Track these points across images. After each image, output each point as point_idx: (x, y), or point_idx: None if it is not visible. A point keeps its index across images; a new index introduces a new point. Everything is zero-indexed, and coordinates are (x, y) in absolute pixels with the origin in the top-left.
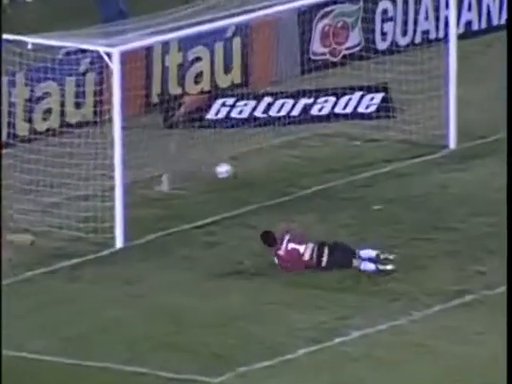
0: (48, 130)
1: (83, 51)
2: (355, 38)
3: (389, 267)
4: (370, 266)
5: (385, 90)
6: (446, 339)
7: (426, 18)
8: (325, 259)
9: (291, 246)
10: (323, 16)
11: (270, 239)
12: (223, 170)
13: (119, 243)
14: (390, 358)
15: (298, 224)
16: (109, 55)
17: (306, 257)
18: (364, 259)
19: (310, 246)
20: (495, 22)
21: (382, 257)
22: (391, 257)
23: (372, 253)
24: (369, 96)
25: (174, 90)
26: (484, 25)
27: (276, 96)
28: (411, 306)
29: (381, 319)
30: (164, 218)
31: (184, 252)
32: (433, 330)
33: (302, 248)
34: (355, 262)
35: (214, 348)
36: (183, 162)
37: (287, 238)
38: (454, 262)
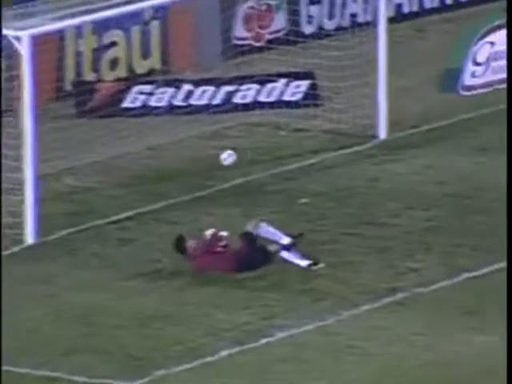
0: None
1: None
2: (280, 21)
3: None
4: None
5: (311, 76)
6: (377, 340)
7: (355, 1)
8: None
9: (205, 249)
10: None
11: (181, 247)
12: (227, 157)
13: (30, 239)
14: (317, 360)
15: (220, 218)
16: (18, 39)
17: (223, 257)
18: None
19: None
20: (428, 4)
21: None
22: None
23: (286, 240)
24: (295, 83)
25: (88, 76)
26: (416, 7)
27: (197, 83)
28: (340, 306)
29: (308, 319)
30: (76, 213)
31: (97, 249)
32: (363, 330)
33: (216, 248)
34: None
35: (131, 350)
36: (95, 154)
37: (200, 242)
38: (384, 259)
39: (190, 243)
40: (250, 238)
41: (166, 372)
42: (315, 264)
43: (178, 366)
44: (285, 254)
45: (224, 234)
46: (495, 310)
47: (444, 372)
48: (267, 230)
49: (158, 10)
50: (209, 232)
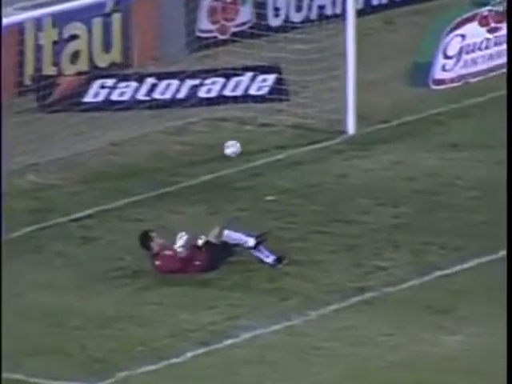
0: None
1: None
2: (245, 14)
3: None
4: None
5: (278, 70)
6: (344, 341)
7: None
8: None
9: (166, 250)
10: None
11: (146, 242)
12: (231, 150)
13: None
14: (284, 361)
15: (186, 216)
16: None
17: (183, 257)
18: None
19: (186, 245)
20: None
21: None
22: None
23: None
24: (261, 77)
25: (49, 70)
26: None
27: (160, 77)
28: (307, 305)
29: (274, 319)
30: (38, 210)
31: (59, 247)
32: (330, 330)
33: (178, 249)
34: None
35: (93, 352)
36: (57, 150)
37: (161, 241)
38: (353, 257)
39: (156, 242)
40: (212, 246)
41: (128, 373)
42: (281, 260)
43: (141, 367)
44: (228, 239)
45: (199, 241)
46: (466, 310)
47: (412, 373)
48: (231, 237)
49: (119, 1)
50: (181, 239)
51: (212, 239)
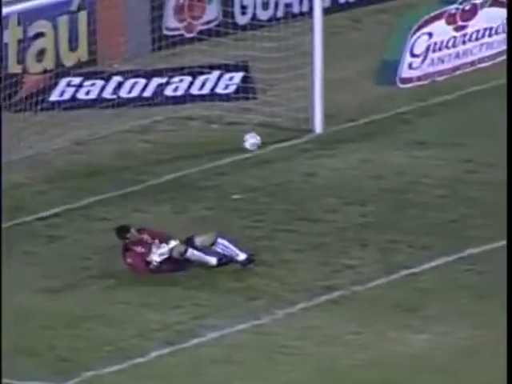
0: None
1: None
2: (213, 11)
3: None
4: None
5: (245, 68)
6: (312, 340)
7: None
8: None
9: (137, 248)
10: None
11: (121, 234)
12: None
13: None
14: (251, 360)
15: (151, 215)
16: None
17: (151, 259)
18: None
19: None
20: None
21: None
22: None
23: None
24: (228, 75)
25: (14, 68)
26: None
27: (126, 75)
28: (274, 304)
29: (241, 319)
30: (6, 208)
31: (26, 246)
32: (298, 329)
33: (154, 257)
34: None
35: (60, 351)
36: (22, 149)
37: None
38: (320, 256)
39: (133, 234)
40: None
41: (95, 373)
42: (251, 260)
43: (108, 367)
44: (221, 246)
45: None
46: (434, 308)
47: (379, 372)
48: (193, 255)
49: None
50: (163, 248)
51: (176, 255)
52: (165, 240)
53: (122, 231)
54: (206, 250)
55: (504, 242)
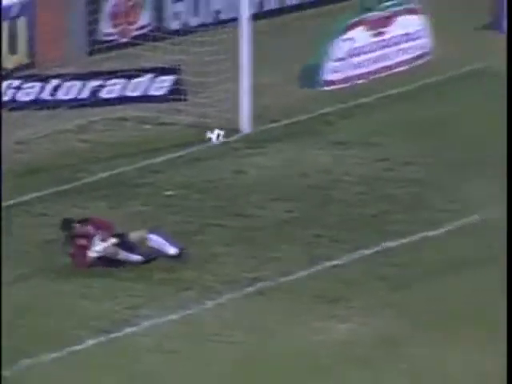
0: None
1: None
2: (146, 17)
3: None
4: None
5: (176, 71)
6: (241, 329)
7: None
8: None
9: (79, 241)
10: None
11: (66, 226)
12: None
13: None
14: (183, 349)
15: (88, 211)
16: None
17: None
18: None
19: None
20: (288, 1)
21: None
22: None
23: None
24: (160, 78)
25: None
26: (277, 4)
27: (64, 78)
28: (204, 295)
29: (172, 309)
30: None
31: None
32: (227, 319)
33: (91, 252)
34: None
35: None
36: None
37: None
38: (248, 249)
39: (76, 229)
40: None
41: (32, 361)
42: (182, 253)
43: (45, 354)
44: (153, 241)
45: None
46: (356, 299)
47: (304, 360)
48: (119, 254)
49: (24, 5)
50: (100, 245)
51: (102, 252)
52: (111, 229)
53: (67, 223)
54: (139, 245)
55: (420, 235)
